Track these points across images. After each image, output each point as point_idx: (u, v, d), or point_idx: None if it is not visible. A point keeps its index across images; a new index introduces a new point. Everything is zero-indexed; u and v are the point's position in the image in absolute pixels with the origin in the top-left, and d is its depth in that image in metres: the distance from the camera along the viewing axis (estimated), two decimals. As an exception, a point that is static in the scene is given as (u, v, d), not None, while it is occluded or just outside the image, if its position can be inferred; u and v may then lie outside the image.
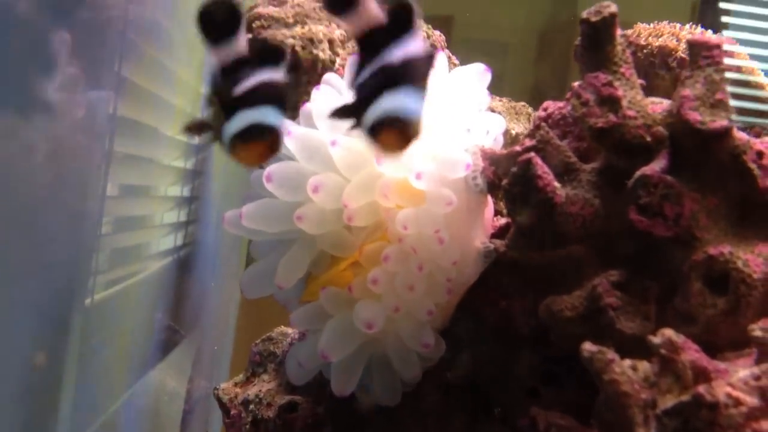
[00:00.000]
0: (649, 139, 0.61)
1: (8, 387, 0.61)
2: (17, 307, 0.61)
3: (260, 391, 0.89)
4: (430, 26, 0.88)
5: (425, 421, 0.76)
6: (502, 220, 0.75)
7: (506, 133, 0.83)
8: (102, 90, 0.72)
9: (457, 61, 0.89)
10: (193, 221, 1.16)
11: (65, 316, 0.70)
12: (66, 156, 0.67)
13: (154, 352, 1.03)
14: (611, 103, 0.61)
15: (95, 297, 0.76)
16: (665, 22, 0.93)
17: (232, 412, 0.91)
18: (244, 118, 0.53)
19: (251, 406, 0.89)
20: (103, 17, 0.71)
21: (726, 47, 0.61)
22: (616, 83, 0.61)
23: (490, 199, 0.73)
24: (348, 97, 0.69)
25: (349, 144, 0.66)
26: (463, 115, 0.67)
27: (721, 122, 0.57)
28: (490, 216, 0.74)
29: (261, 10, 0.79)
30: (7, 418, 0.61)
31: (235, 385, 0.96)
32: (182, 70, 0.97)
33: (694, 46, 0.60)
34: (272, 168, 0.68)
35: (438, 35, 0.88)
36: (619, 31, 0.63)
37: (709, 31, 0.90)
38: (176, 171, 1.05)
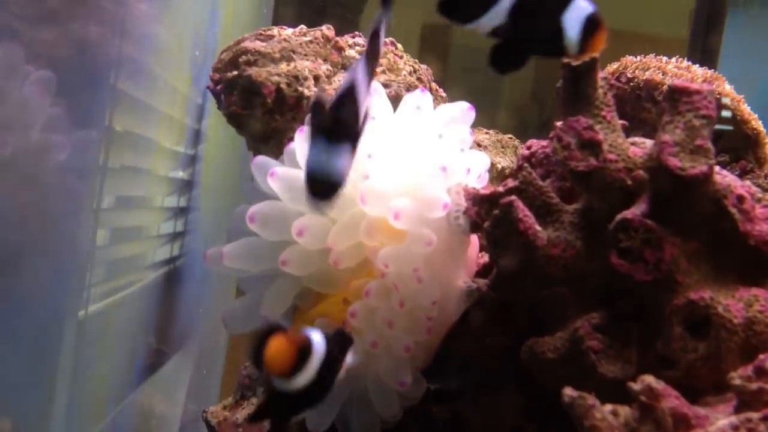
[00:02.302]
0: (629, 182, 0.61)
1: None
2: (10, 319, 0.61)
3: (249, 414, 0.89)
4: (417, 60, 0.88)
5: (409, 456, 0.76)
6: (487, 258, 0.75)
7: (492, 166, 0.83)
8: (97, 103, 0.72)
9: (443, 94, 0.90)
10: (184, 234, 1.16)
11: (59, 329, 0.70)
12: (59, 169, 0.68)
13: (143, 370, 1.03)
14: (592, 146, 0.61)
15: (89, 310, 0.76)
16: (652, 56, 0.94)
17: (221, 435, 0.91)
18: None
19: (240, 430, 0.89)
20: (99, 29, 0.71)
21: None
22: (597, 127, 0.62)
23: (474, 237, 0.74)
24: None
25: None
26: (443, 155, 0.67)
27: (700, 168, 0.58)
28: (474, 254, 0.74)
29: (248, 44, 0.80)
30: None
31: (224, 408, 0.96)
32: (175, 79, 0.97)
33: (674, 91, 0.60)
34: (255, 208, 0.68)
35: (425, 69, 0.89)
36: (600, 74, 0.64)
37: (696, 67, 0.91)
38: (168, 182, 1.05)
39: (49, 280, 0.67)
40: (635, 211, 0.60)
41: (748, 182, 0.63)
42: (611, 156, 0.61)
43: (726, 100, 0.86)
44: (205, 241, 1.23)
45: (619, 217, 0.60)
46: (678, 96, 0.60)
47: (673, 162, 0.58)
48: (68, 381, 0.72)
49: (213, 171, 1.27)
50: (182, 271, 1.16)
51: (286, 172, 0.69)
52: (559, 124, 0.64)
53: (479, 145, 0.86)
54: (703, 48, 1.73)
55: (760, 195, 0.62)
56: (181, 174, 1.09)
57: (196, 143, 1.12)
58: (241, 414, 0.93)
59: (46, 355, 0.69)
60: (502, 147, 0.88)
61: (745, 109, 0.89)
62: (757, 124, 0.89)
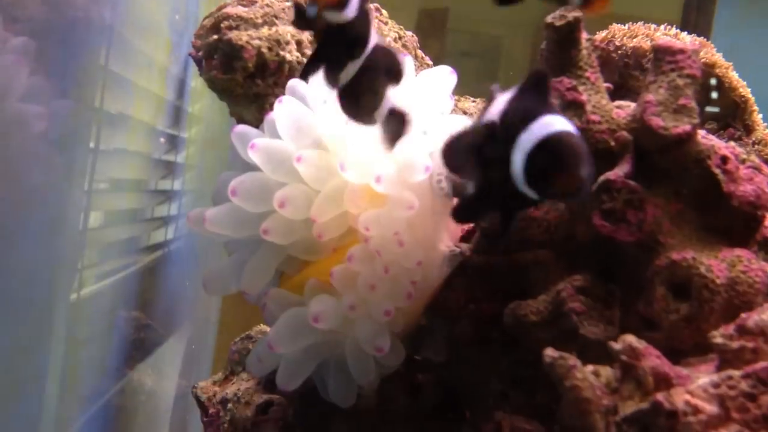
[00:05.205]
0: (612, 143, 0.61)
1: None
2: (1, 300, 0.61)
3: (239, 389, 0.89)
4: (402, 27, 0.87)
5: (394, 423, 0.76)
6: (470, 225, 0.75)
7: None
8: (76, 91, 0.71)
9: (429, 62, 0.89)
10: (172, 216, 1.15)
11: (50, 312, 0.69)
12: (49, 152, 0.67)
13: (133, 352, 1.03)
14: (575, 107, 0.60)
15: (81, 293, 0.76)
16: (641, 23, 0.93)
17: (210, 410, 0.91)
18: None
19: (229, 405, 0.89)
20: (78, 17, 0.70)
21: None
22: (581, 88, 0.61)
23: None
24: (314, 106, 0.69)
25: (314, 159, 0.66)
26: (423, 119, 0.66)
27: (683, 127, 0.57)
28: (458, 219, 0.73)
29: (230, 10, 0.78)
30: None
31: (214, 383, 0.95)
32: (166, 59, 0.96)
33: (658, 50, 0.59)
34: (236, 182, 0.68)
35: (410, 36, 0.88)
36: (584, 35, 0.63)
37: (684, 33, 0.90)
38: (155, 165, 1.05)
39: (38, 260, 0.67)
40: (618, 172, 0.59)
41: (732, 143, 0.62)
42: (594, 117, 0.61)
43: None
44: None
45: (601, 178, 0.59)
46: (662, 55, 0.59)
47: (656, 121, 0.57)
48: (60, 363, 0.72)
49: (206, 154, 1.26)
50: (172, 253, 1.16)
51: (266, 144, 0.69)
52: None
53: (465, 113, 0.86)
54: (695, 24, 1.72)
55: (744, 156, 0.61)
56: (171, 157, 1.09)
57: (181, 124, 1.11)
58: (231, 390, 0.93)
59: (38, 337, 0.68)
60: (489, 115, 0.87)
61: (733, 76, 0.88)
62: (745, 91, 0.88)
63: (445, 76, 0.69)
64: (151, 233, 1.09)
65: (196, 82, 1.10)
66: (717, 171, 0.59)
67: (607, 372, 0.55)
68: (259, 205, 0.68)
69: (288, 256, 0.73)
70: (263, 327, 0.94)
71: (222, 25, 0.77)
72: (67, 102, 0.70)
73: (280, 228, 0.68)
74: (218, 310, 1.55)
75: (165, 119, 1.02)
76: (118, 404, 1.01)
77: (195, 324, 1.39)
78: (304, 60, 0.78)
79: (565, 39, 0.62)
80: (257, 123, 0.74)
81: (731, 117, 0.90)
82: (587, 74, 0.62)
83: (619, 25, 0.93)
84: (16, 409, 0.65)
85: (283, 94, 0.70)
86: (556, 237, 0.63)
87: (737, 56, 0.91)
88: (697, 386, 0.52)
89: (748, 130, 0.89)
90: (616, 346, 0.54)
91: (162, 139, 1.03)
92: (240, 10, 0.77)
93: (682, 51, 0.59)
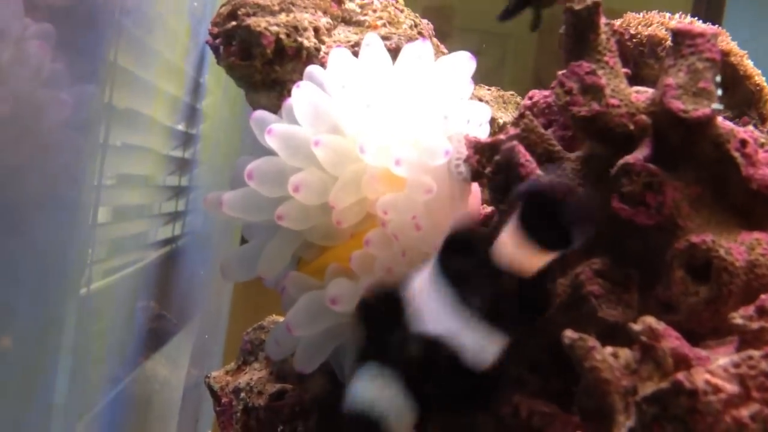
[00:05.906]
0: (632, 127, 0.61)
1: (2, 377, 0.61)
2: (11, 297, 0.61)
3: (251, 379, 0.90)
4: (417, 15, 0.87)
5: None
6: (490, 209, 0.75)
7: (493, 121, 0.83)
8: (97, 80, 0.71)
9: (445, 50, 0.89)
10: (183, 211, 1.16)
11: (60, 307, 0.69)
12: (59, 147, 0.67)
13: (147, 342, 1.03)
14: (594, 91, 0.60)
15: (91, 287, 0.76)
16: (655, 12, 0.93)
17: (223, 400, 0.91)
18: None
19: (242, 395, 0.89)
20: (98, 5, 0.70)
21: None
22: (600, 72, 0.61)
23: (477, 187, 0.73)
24: (333, 91, 0.69)
25: (332, 143, 0.67)
26: (442, 103, 0.67)
27: (703, 110, 0.57)
28: (476, 204, 0.74)
29: (247, -3, 0.79)
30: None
31: (227, 373, 0.96)
32: (176, 56, 0.97)
33: (677, 34, 0.60)
34: (253, 166, 0.68)
35: (426, 23, 0.88)
36: (603, 20, 0.63)
37: (699, 22, 0.90)
38: (168, 160, 1.05)
39: (50, 250, 0.67)
40: (637, 155, 0.59)
41: (751, 127, 0.63)
42: (614, 101, 0.61)
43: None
44: (205, 216, 1.24)
45: (621, 161, 0.59)
46: (681, 39, 0.59)
47: (676, 104, 0.57)
48: (76, 353, 0.72)
49: (218, 149, 1.27)
50: (185, 245, 1.16)
51: (283, 130, 0.69)
52: (561, 72, 0.64)
53: (481, 100, 0.86)
54: (705, 19, 1.72)
55: (763, 140, 0.61)
56: (181, 153, 1.09)
57: (195, 122, 1.11)
58: (243, 379, 0.94)
59: (54, 327, 0.69)
60: (504, 103, 0.87)
61: (749, 64, 0.88)
62: (760, 79, 0.88)
63: (465, 62, 0.70)
64: (166, 226, 1.10)
65: (207, 79, 1.10)
66: (736, 154, 0.60)
67: (626, 353, 0.55)
68: (275, 190, 0.69)
69: (305, 242, 0.73)
70: (275, 317, 0.95)
71: (239, 12, 0.78)
72: (90, 87, 0.70)
73: (295, 213, 0.69)
74: (230, 301, 1.56)
75: (182, 121, 1.03)
76: (133, 393, 1.01)
77: (207, 315, 1.40)
78: (322, 47, 0.78)
79: (584, 23, 0.62)
80: (275, 110, 0.75)
81: (746, 106, 0.89)
82: (606, 58, 0.62)
83: (633, 13, 0.92)
84: (30, 399, 0.66)
85: (302, 80, 0.71)
86: (574, 221, 0.63)
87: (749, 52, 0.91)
88: (717, 366, 0.52)
89: (763, 119, 0.89)
90: (636, 327, 0.54)
91: (179, 126, 1.03)
92: (257, -3, 0.78)
93: (701, 34, 0.59)
